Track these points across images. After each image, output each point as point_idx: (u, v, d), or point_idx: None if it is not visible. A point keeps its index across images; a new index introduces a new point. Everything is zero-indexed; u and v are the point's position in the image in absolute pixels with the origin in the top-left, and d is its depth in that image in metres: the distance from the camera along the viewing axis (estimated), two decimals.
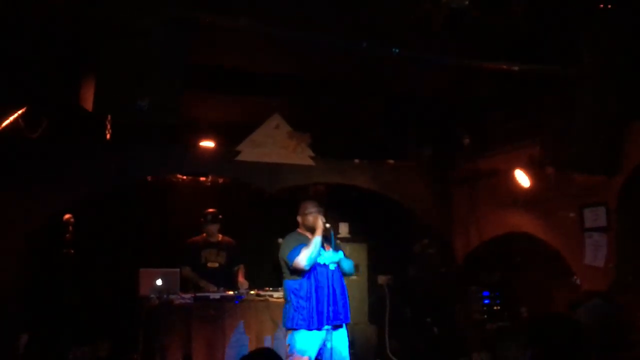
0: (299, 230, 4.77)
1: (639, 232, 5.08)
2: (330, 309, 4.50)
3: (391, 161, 7.23)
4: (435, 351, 6.69)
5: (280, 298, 5.63)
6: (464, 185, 7.11)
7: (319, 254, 4.52)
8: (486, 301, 6.66)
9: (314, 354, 4.49)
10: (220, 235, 6.19)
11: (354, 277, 7.28)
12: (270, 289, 5.90)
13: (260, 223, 7.25)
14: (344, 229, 7.39)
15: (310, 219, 4.64)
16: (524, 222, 6.22)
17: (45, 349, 5.63)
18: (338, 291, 4.62)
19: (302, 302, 4.48)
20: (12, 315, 5.24)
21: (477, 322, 6.59)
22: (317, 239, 4.50)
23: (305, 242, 4.55)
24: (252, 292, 5.82)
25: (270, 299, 5.63)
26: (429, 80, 5.89)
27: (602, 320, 2.64)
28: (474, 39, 4.84)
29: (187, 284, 5.78)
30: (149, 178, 6.63)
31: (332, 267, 4.65)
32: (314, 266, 4.54)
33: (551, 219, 5.86)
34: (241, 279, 6.01)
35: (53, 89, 5.03)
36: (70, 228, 5.38)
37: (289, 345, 4.55)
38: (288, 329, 4.58)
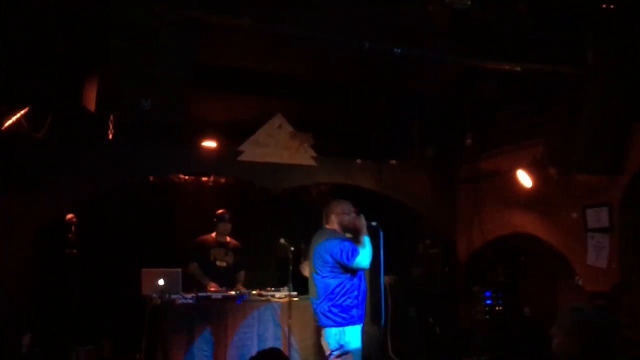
0: (329, 226, 4.65)
1: None
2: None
3: (394, 161, 7.22)
4: (438, 351, 6.67)
5: (283, 298, 5.64)
6: (468, 185, 7.10)
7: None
8: (488, 301, 6.65)
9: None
10: (228, 237, 6.26)
11: None
12: (272, 288, 5.91)
13: (262, 223, 7.25)
14: None
15: (348, 218, 4.58)
16: (527, 222, 6.21)
17: (48, 349, 5.63)
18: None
19: (353, 299, 4.44)
20: (16, 315, 5.24)
21: (479, 322, 6.58)
22: (367, 238, 4.44)
23: (346, 239, 4.49)
24: (254, 292, 5.83)
25: (272, 299, 5.63)
26: (433, 80, 5.89)
27: (585, 324, 2.58)
28: (479, 39, 4.83)
29: (191, 281, 5.81)
30: (151, 178, 6.63)
31: None
32: None
33: (554, 219, 5.85)
34: (241, 287, 6.05)
35: (56, 88, 5.03)
36: (73, 228, 5.40)
37: (339, 341, 4.43)
38: (333, 327, 4.44)
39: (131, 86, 3.85)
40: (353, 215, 4.60)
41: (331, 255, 4.40)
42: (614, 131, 4.95)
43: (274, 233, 6.28)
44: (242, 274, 6.28)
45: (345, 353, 4.42)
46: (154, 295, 5.19)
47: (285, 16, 4.34)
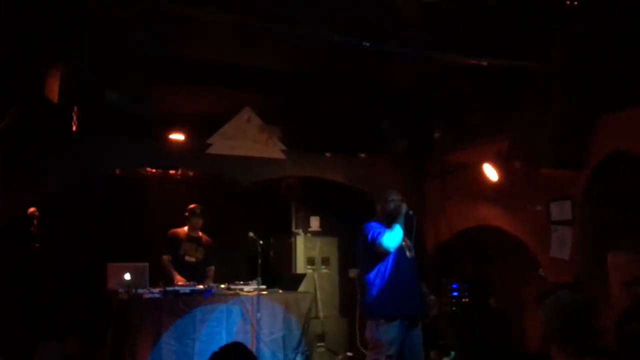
0: (377, 219, 4.61)
1: (603, 225, 5.19)
2: (414, 299, 4.44)
3: (363, 155, 7.25)
4: None
5: (251, 291, 5.62)
6: (436, 178, 7.17)
7: (401, 240, 4.41)
8: (455, 293, 6.74)
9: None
10: (200, 232, 6.25)
11: (325, 271, 7.34)
12: (241, 282, 5.90)
13: (231, 216, 7.22)
14: (315, 223, 7.40)
15: (392, 206, 4.54)
16: (493, 215, 6.31)
17: (12, 345, 5.51)
18: (415, 282, 4.52)
19: (386, 288, 4.31)
20: None
21: (446, 313, 6.67)
22: (398, 225, 4.40)
23: (377, 223, 4.47)
24: (222, 285, 5.81)
25: (241, 293, 5.62)
26: (403, 74, 5.91)
27: (568, 310, 2.68)
28: (447, 34, 4.87)
29: (162, 272, 5.75)
30: (118, 171, 6.53)
31: (409, 255, 4.53)
32: (395, 253, 4.40)
33: (519, 212, 5.95)
34: (209, 282, 6.02)
35: (17, 79, 4.89)
36: (35, 222, 5.28)
37: (373, 336, 4.31)
38: (369, 319, 4.37)
39: (96, 77, 3.79)
40: (399, 203, 4.54)
41: (362, 240, 4.41)
42: (579, 126, 5.05)
43: (243, 226, 6.26)
44: (211, 270, 6.29)
45: (377, 348, 4.26)
46: (121, 290, 5.12)
47: (254, 9, 4.30)
